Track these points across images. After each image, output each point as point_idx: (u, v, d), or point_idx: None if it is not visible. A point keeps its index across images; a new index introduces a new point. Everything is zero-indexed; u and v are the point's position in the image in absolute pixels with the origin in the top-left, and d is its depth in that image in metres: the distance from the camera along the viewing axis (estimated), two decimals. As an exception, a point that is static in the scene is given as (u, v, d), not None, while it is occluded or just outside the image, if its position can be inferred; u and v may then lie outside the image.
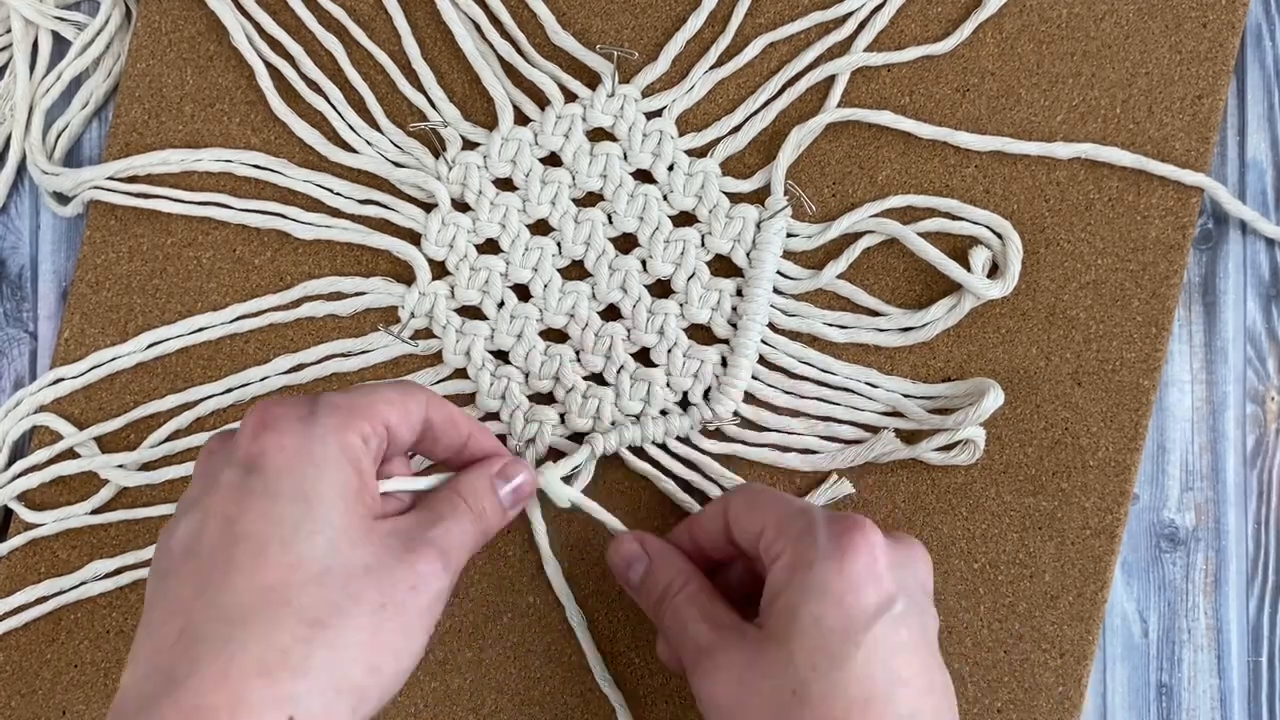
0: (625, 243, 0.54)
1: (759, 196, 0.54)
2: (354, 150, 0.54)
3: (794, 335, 0.54)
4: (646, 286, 0.54)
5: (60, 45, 0.58)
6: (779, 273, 0.54)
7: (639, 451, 0.54)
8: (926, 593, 0.45)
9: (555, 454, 0.54)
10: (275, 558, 0.38)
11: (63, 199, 0.56)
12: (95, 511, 0.54)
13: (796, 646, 0.42)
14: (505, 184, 0.54)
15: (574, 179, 0.54)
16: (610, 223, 0.54)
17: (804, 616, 0.42)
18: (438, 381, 0.54)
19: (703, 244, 0.54)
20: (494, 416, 0.54)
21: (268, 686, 0.36)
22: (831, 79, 0.54)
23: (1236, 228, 0.56)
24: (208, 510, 0.39)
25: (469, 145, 0.54)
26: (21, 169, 0.57)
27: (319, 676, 0.37)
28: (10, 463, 0.55)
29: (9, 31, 0.57)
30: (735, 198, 0.54)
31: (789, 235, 0.54)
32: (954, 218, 0.54)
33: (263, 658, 0.36)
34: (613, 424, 0.53)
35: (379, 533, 0.40)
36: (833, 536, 0.43)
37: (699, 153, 0.54)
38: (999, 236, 0.53)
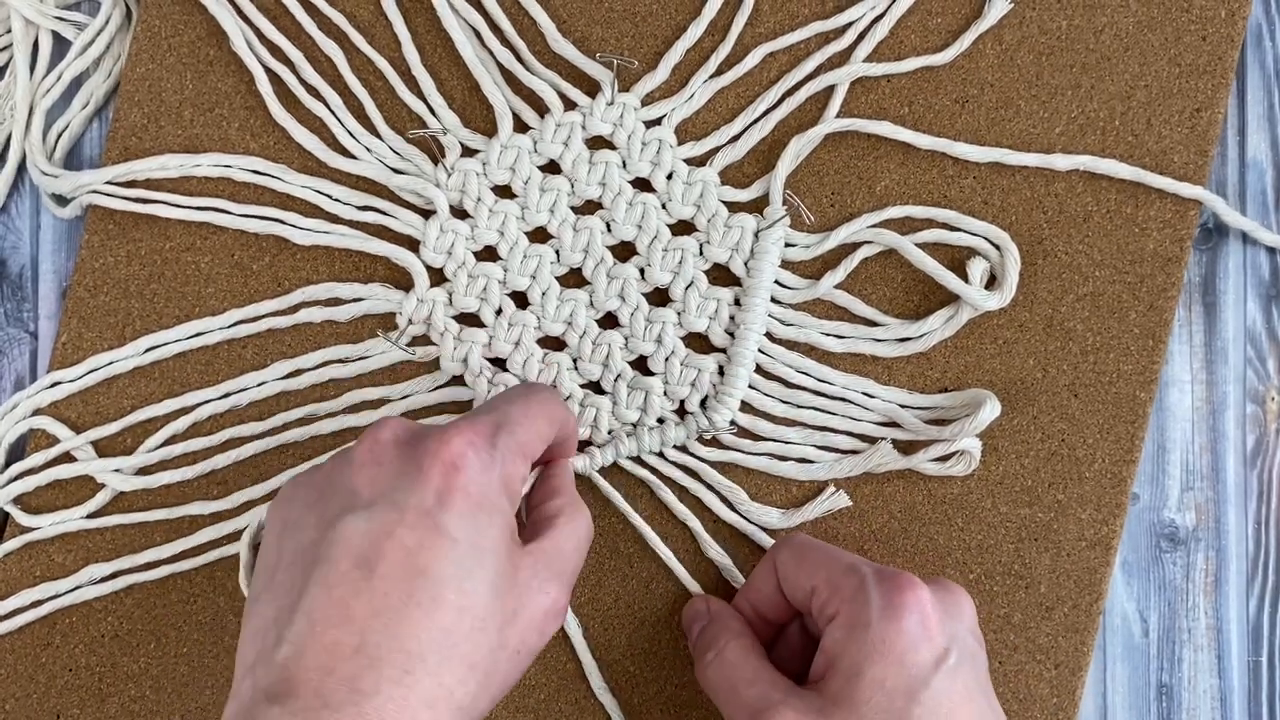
0: (624, 251, 0.54)
1: (757, 206, 0.54)
2: (353, 156, 0.54)
3: (791, 345, 0.54)
4: (644, 295, 0.54)
5: (60, 45, 0.58)
6: (777, 282, 0.54)
7: (636, 459, 0.54)
8: (974, 635, 0.47)
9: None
10: (451, 601, 0.40)
11: (62, 200, 0.56)
12: (91, 515, 0.54)
13: (864, 709, 0.44)
14: (504, 191, 0.54)
15: (573, 187, 0.54)
16: (609, 231, 0.54)
17: (867, 678, 0.44)
18: (435, 388, 0.54)
19: (701, 253, 0.54)
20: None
21: (433, 718, 0.40)
22: (831, 89, 0.54)
23: (1237, 229, 0.55)
24: (390, 531, 0.41)
25: (468, 152, 0.54)
26: (22, 169, 0.57)
27: (469, 712, 0.41)
28: (6, 466, 0.55)
29: (9, 31, 0.57)
30: (734, 207, 0.54)
31: (787, 245, 0.54)
32: (952, 228, 0.54)
33: (432, 693, 0.40)
34: (610, 433, 0.53)
35: (524, 572, 0.43)
36: (885, 595, 0.45)
37: (698, 161, 0.54)
38: (997, 248, 0.53)
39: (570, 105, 0.54)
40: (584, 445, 0.53)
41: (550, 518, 0.46)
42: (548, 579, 0.44)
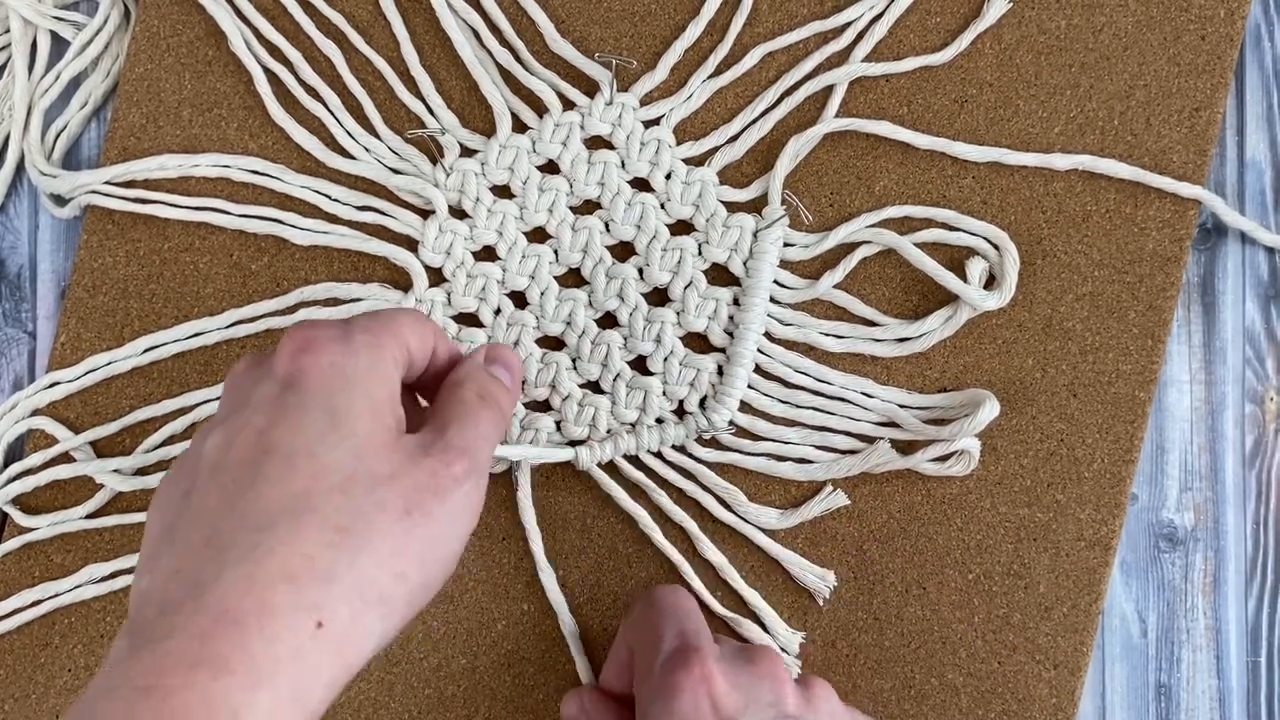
0: (623, 251, 0.54)
1: (756, 206, 0.54)
2: (352, 156, 0.54)
3: (790, 345, 0.54)
4: (644, 295, 0.54)
5: (59, 45, 0.58)
6: (776, 282, 0.54)
7: (634, 460, 0.54)
8: (781, 706, 0.44)
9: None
10: (302, 466, 0.37)
11: (60, 200, 0.56)
12: (90, 516, 0.54)
13: None
14: (503, 191, 0.54)
15: (572, 187, 0.54)
16: (608, 231, 0.54)
17: None
18: (434, 388, 0.54)
19: (700, 253, 0.54)
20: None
21: (294, 592, 0.35)
22: (830, 89, 0.54)
23: (1236, 229, 0.55)
24: (239, 425, 0.39)
25: (467, 152, 0.54)
26: (20, 169, 0.57)
27: (345, 583, 0.36)
28: (5, 466, 0.55)
29: (7, 31, 0.57)
30: (733, 207, 0.54)
31: (786, 245, 0.54)
32: (951, 228, 0.54)
33: (289, 564, 0.36)
34: (608, 432, 0.53)
35: (404, 444, 0.40)
36: (663, 675, 0.43)
37: (697, 161, 0.54)
38: (996, 248, 0.53)
39: (569, 105, 0.54)
40: (579, 444, 0.53)
41: (441, 411, 0.42)
42: (443, 449, 0.40)
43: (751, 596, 0.53)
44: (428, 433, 0.41)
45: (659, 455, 0.54)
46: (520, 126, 0.54)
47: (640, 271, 0.54)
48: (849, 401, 0.54)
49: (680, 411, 0.54)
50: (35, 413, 0.55)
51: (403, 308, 0.43)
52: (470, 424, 0.41)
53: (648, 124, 0.54)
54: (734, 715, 0.42)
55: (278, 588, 0.35)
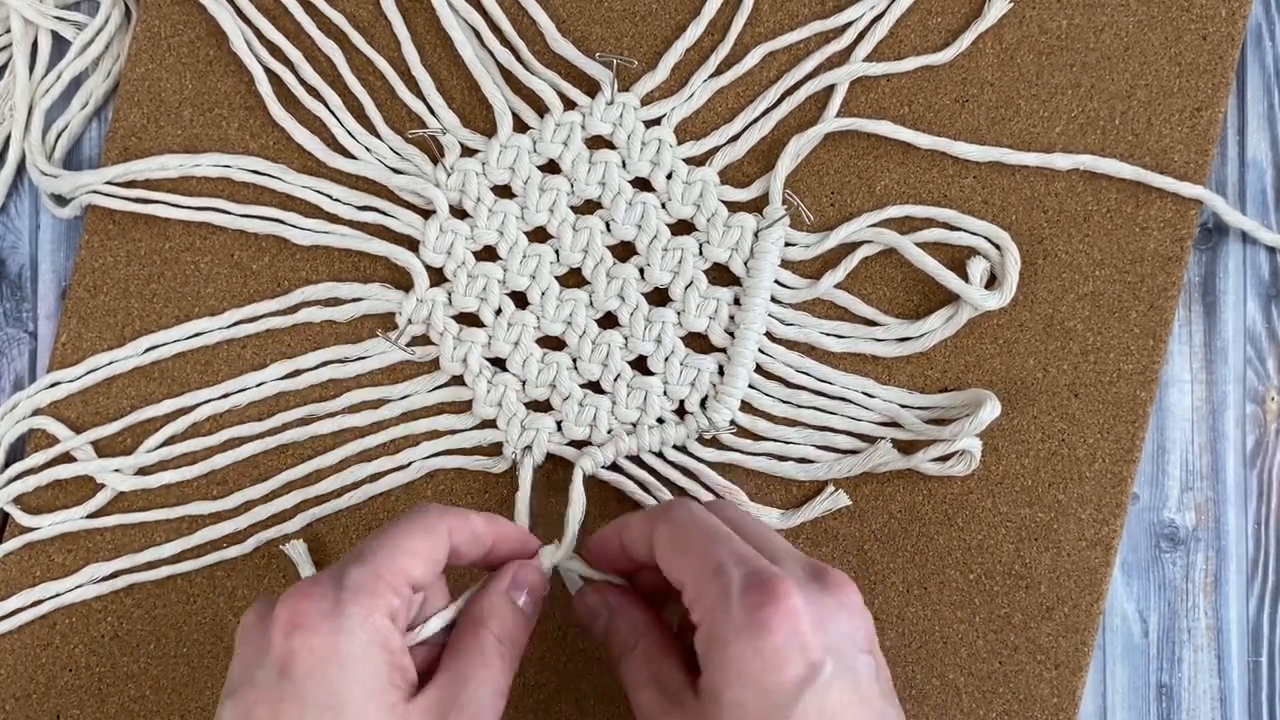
0: (623, 251, 0.54)
1: (757, 205, 0.54)
2: (353, 156, 0.54)
3: (791, 344, 0.54)
4: (644, 295, 0.54)
5: (60, 45, 0.58)
6: (777, 282, 0.54)
7: (635, 459, 0.54)
8: (858, 642, 0.42)
9: (552, 459, 0.54)
10: None
11: (61, 200, 0.56)
12: (91, 516, 0.54)
13: None
14: (504, 191, 0.54)
15: (572, 187, 0.54)
16: (608, 230, 0.54)
17: (725, 702, 0.40)
18: (435, 389, 0.54)
19: (701, 252, 0.54)
20: (490, 424, 0.54)
21: None
22: (830, 88, 0.54)
23: (1237, 229, 0.55)
24: (249, 704, 0.40)
25: (468, 152, 0.54)
26: (21, 169, 0.57)
27: None
28: (6, 466, 0.55)
29: (8, 31, 0.57)
30: (733, 206, 0.54)
31: (787, 244, 0.54)
32: (952, 228, 0.54)
33: None
34: (609, 432, 0.53)
35: (413, 715, 0.41)
36: (747, 610, 0.41)
37: (697, 161, 0.54)
38: (997, 247, 0.53)
39: (570, 105, 0.54)
40: (583, 444, 0.53)
41: (449, 649, 0.44)
42: (445, 715, 0.42)
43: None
44: (443, 689, 0.42)
45: (660, 455, 0.54)
46: (521, 126, 0.54)
47: (641, 271, 0.54)
48: (850, 401, 0.54)
49: (681, 411, 0.54)
50: (36, 412, 0.55)
51: (407, 522, 0.44)
52: (487, 678, 0.43)
53: (649, 124, 0.54)
54: (823, 655, 0.40)
55: None
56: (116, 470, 0.54)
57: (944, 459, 0.53)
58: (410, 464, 0.54)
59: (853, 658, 0.41)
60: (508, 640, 0.45)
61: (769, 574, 0.41)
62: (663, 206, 0.54)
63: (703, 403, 0.53)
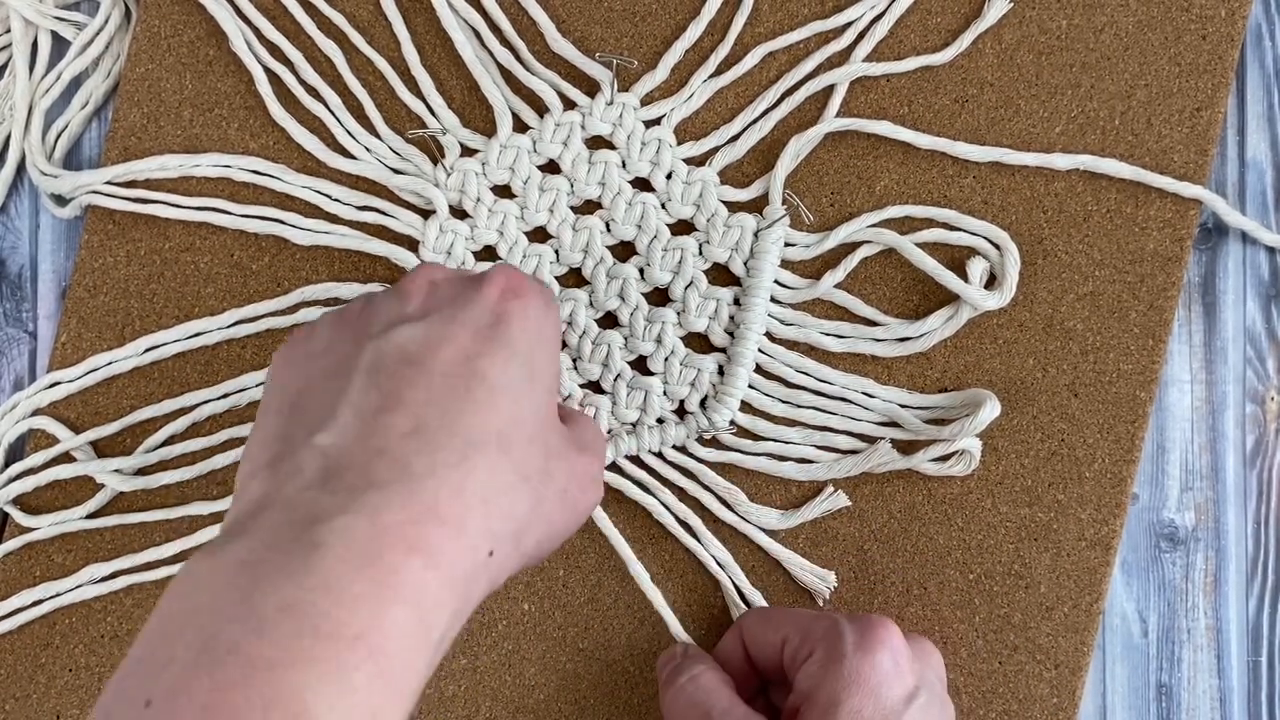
0: (623, 251, 0.54)
1: (757, 205, 0.54)
2: (352, 156, 0.54)
3: (791, 344, 0.54)
4: (644, 295, 0.54)
5: (60, 45, 0.58)
6: (777, 282, 0.54)
7: (635, 459, 0.54)
8: (942, 684, 0.48)
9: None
10: (504, 407, 0.39)
11: (61, 200, 0.56)
12: (91, 516, 0.54)
13: None
14: (503, 191, 0.54)
15: (572, 187, 0.54)
16: (608, 231, 0.54)
17: (845, 709, 0.45)
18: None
19: (701, 252, 0.54)
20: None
21: (484, 518, 0.37)
22: (830, 88, 0.54)
23: (1237, 229, 0.55)
24: (443, 334, 0.40)
25: (467, 152, 0.54)
26: (21, 169, 0.57)
27: (514, 525, 0.39)
28: (6, 466, 0.55)
29: (8, 31, 0.57)
30: (733, 206, 0.54)
31: (787, 244, 0.54)
32: (952, 228, 0.54)
33: (487, 489, 0.37)
34: (609, 432, 0.53)
35: (563, 427, 0.43)
36: (859, 632, 0.46)
37: (697, 161, 0.54)
38: (997, 247, 0.53)
39: (569, 105, 0.54)
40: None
41: (576, 424, 0.46)
42: (585, 443, 0.44)
43: (753, 596, 0.53)
44: (580, 433, 0.45)
45: (660, 455, 0.54)
46: (521, 126, 0.54)
47: (641, 271, 0.54)
48: (850, 401, 0.54)
49: (681, 411, 0.54)
50: (36, 412, 0.55)
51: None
52: (601, 447, 0.47)
53: (648, 124, 0.54)
54: (916, 682, 0.46)
55: (476, 507, 0.37)
56: (116, 470, 0.54)
57: (944, 459, 0.53)
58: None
59: (939, 693, 0.47)
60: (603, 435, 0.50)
61: (872, 617, 0.47)
62: (663, 206, 0.54)
63: (703, 403, 0.53)
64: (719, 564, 0.54)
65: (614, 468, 0.54)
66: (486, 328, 0.40)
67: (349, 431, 0.37)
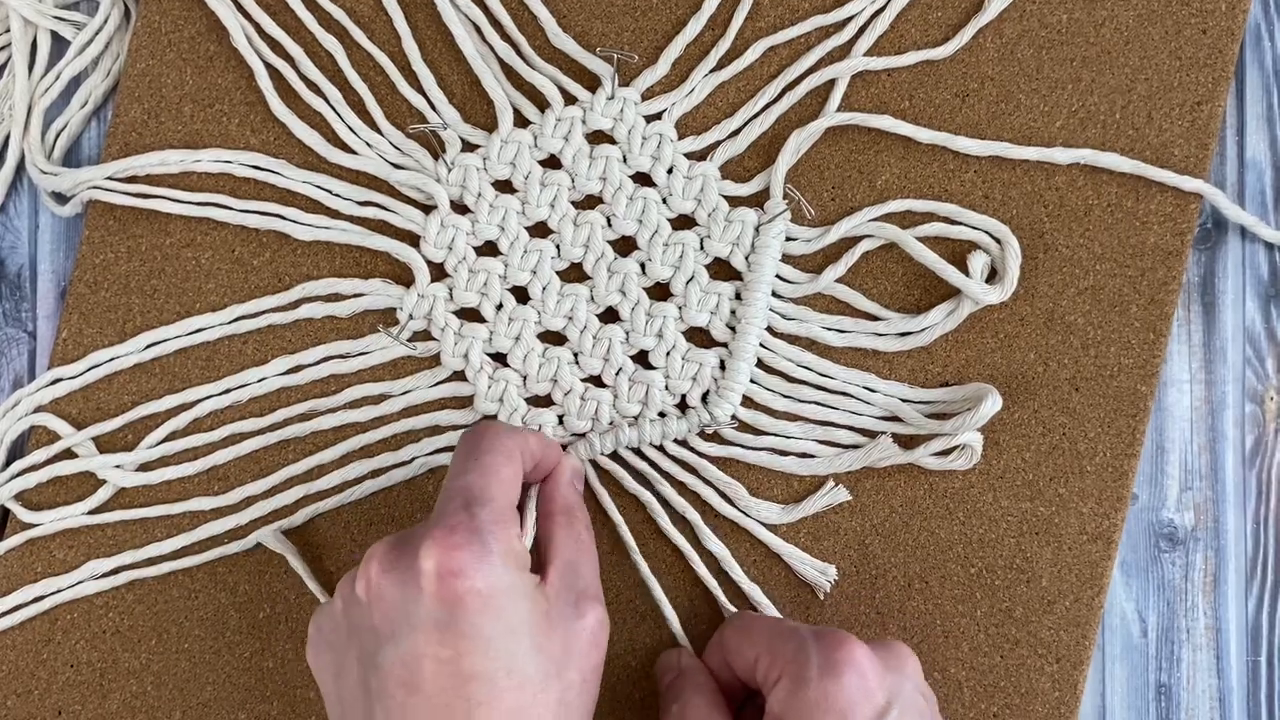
0: (624, 246, 0.54)
1: (758, 200, 0.54)
2: (353, 151, 0.54)
3: (792, 339, 0.54)
4: (645, 289, 0.54)
5: (59, 45, 0.58)
6: (778, 276, 0.54)
7: (636, 452, 0.54)
8: (919, 689, 0.47)
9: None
10: (505, 685, 0.43)
11: (61, 198, 0.56)
12: (93, 511, 0.54)
13: None
14: (504, 186, 0.54)
15: (573, 181, 0.54)
16: (609, 225, 0.54)
17: None
18: (436, 384, 0.54)
19: (702, 247, 0.54)
20: (492, 419, 0.54)
21: None
22: (831, 83, 0.54)
23: (1236, 228, 0.56)
24: (421, 651, 0.43)
25: (468, 147, 0.54)
26: (20, 169, 0.57)
27: None
28: (8, 463, 0.55)
29: (8, 31, 0.57)
30: (734, 201, 0.54)
31: (788, 239, 0.54)
32: (953, 222, 0.54)
33: None
34: (610, 425, 0.53)
35: (555, 612, 0.45)
36: (823, 653, 0.46)
37: (698, 156, 0.54)
38: (998, 241, 0.53)
39: (571, 100, 0.54)
40: (582, 438, 0.54)
41: (547, 540, 0.48)
42: (574, 601, 0.46)
43: (752, 590, 0.53)
44: (562, 580, 0.47)
45: (661, 449, 0.54)
46: (522, 121, 0.54)
47: (642, 266, 0.54)
48: (851, 396, 0.54)
49: (682, 406, 0.54)
50: (38, 409, 0.55)
51: (494, 452, 0.47)
52: (591, 559, 0.48)
53: (649, 119, 0.54)
54: (886, 699, 0.45)
55: None
56: (118, 466, 0.54)
57: (945, 453, 0.53)
58: (413, 460, 0.54)
59: (918, 704, 0.46)
60: (590, 528, 0.50)
61: (835, 630, 0.47)
62: (664, 201, 0.54)
63: (704, 397, 0.53)
64: (714, 566, 0.54)
65: (615, 457, 0.54)
66: (447, 624, 0.43)
67: None
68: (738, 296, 0.53)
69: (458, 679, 0.42)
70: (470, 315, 0.54)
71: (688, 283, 0.53)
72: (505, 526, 0.45)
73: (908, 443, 0.53)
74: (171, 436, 0.55)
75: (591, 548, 0.49)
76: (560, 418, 0.53)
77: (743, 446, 0.54)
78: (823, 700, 0.45)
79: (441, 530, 0.44)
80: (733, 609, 0.53)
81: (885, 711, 0.45)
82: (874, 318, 0.54)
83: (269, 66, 0.55)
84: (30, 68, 0.57)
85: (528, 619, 0.44)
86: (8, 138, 0.57)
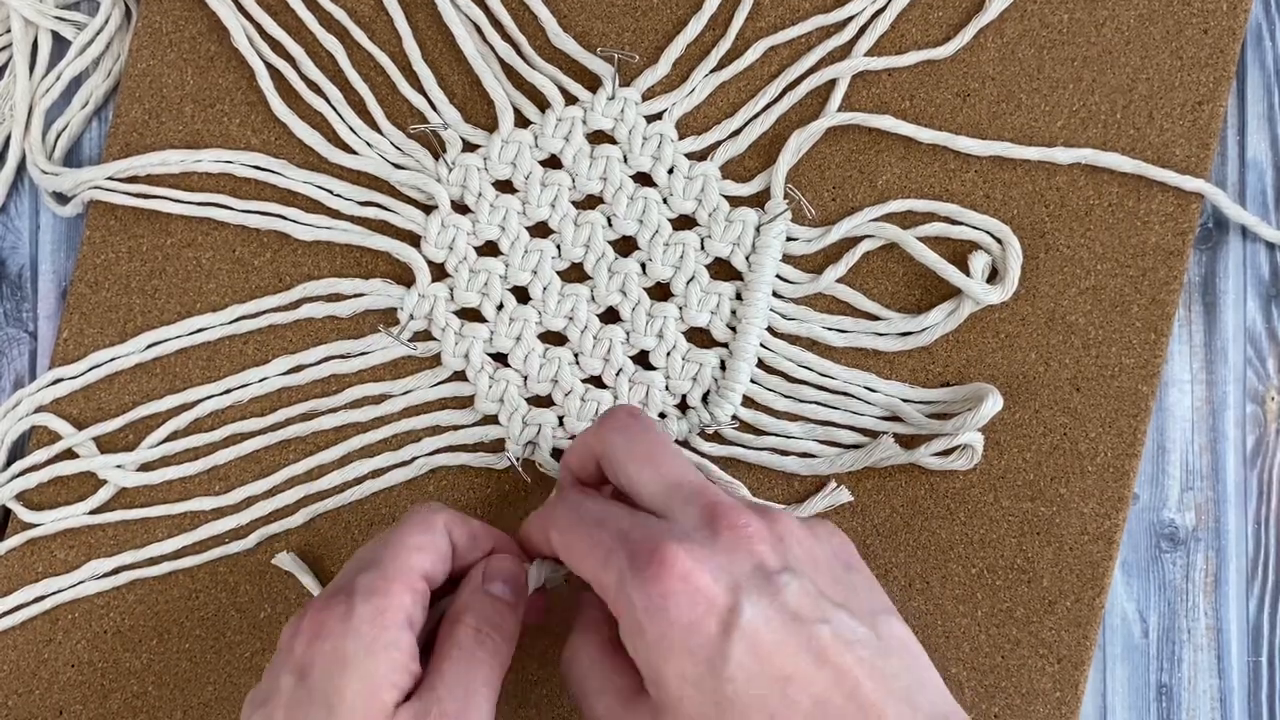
0: (625, 246, 0.54)
1: (759, 200, 0.54)
2: (354, 152, 0.54)
3: (793, 339, 0.54)
4: (646, 289, 0.54)
5: (60, 45, 0.58)
6: (778, 276, 0.54)
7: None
8: (768, 565, 0.40)
9: (558, 455, 0.54)
10: None
11: (62, 199, 0.56)
12: (94, 511, 0.54)
13: (683, 708, 0.39)
14: (505, 186, 0.54)
15: (574, 181, 0.54)
16: (610, 225, 0.54)
17: (669, 678, 0.39)
18: (436, 384, 0.54)
19: (702, 247, 0.54)
20: (492, 419, 0.54)
21: None
22: (832, 83, 0.54)
23: (1237, 228, 0.56)
24: (267, 716, 0.42)
25: (469, 147, 0.54)
26: (21, 169, 0.57)
27: None
28: (9, 463, 0.55)
29: (8, 31, 0.57)
30: (735, 201, 0.54)
31: (789, 239, 0.54)
32: (954, 222, 0.54)
33: None
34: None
35: None
36: (642, 588, 0.40)
37: (699, 156, 0.54)
38: (998, 241, 0.53)
39: (571, 100, 0.54)
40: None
41: (439, 659, 0.43)
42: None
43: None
44: (425, 690, 0.42)
45: (662, 450, 0.54)
46: (523, 121, 0.54)
47: (643, 266, 0.54)
48: (852, 396, 0.54)
49: (683, 406, 0.54)
50: (39, 409, 0.55)
51: (407, 522, 0.45)
52: (464, 674, 0.42)
53: (650, 119, 0.54)
54: (727, 601, 0.39)
55: None
56: (119, 466, 0.54)
57: (946, 453, 0.53)
58: (413, 460, 0.54)
59: (768, 583, 0.40)
60: (487, 629, 0.44)
61: (650, 544, 0.40)
62: (664, 201, 0.54)
63: (705, 397, 0.53)
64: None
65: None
66: (292, 691, 0.42)
67: None
68: (738, 296, 0.53)
69: None
70: (471, 315, 0.54)
71: (688, 283, 0.53)
72: (385, 595, 0.42)
73: (909, 443, 0.53)
74: (172, 436, 0.55)
75: (482, 659, 0.43)
76: (560, 419, 0.53)
77: (744, 447, 0.54)
78: (661, 641, 0.39)
79: (326, 592, 0.43)
80: None
81: (731, 619, 0.39)
82: (875, 318, 0.54)
83: (270, 67, 0.55)
84: (31, 68, 0.57)
85: (358, 703, 0.41)
86: (8, 138, 0.57)
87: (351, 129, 0.54)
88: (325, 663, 0.41)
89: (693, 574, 0.39)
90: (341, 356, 0.54)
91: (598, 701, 0.43)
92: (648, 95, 0.54)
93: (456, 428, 0.54)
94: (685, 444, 0.54)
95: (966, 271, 0.53)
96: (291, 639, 0.43)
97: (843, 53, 0.54)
